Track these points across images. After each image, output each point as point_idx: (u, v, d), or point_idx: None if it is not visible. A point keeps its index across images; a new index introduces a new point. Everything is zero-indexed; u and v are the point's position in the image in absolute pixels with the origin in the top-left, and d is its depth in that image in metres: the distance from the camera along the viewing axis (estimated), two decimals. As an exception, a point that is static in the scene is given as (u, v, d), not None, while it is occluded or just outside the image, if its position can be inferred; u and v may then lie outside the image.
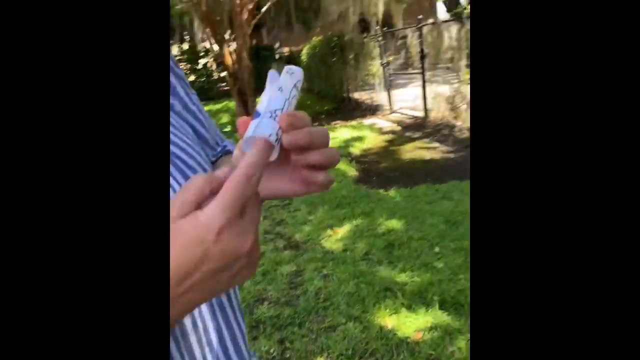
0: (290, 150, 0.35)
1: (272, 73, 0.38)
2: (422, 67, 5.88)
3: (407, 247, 2.64)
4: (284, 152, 0.35)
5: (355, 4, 7.78)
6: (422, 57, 5.82)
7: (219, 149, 0.59)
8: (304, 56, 11.09)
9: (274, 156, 0.34)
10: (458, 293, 2.11)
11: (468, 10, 4.85)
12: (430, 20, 5.48)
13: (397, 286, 2.25)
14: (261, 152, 0.31)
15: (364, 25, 8.43)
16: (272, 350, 1.92)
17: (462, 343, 1.80)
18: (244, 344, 0.48)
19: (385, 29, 7.43)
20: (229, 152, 0.58)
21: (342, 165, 4.62)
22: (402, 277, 2.32)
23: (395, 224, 2.98)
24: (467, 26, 4.88)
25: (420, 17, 5.61)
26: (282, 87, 0.37)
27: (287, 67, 0.38)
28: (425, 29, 5.73)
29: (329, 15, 8.74)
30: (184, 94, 0.54)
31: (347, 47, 8.30)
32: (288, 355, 1.88)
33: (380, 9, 7.50)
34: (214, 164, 0.56)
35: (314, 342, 1.93)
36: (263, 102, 0.36)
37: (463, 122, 5.38)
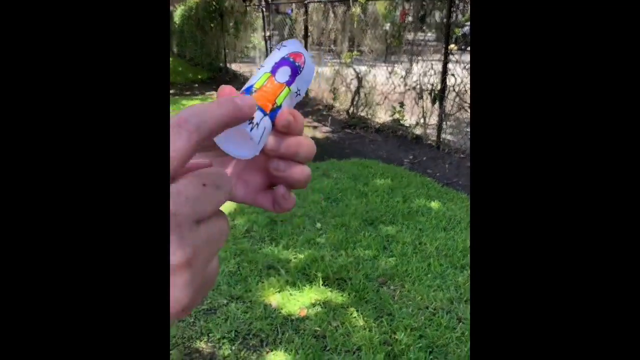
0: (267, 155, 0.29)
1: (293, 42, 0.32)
2: (305, 45, 5.86)
3: (290, 223, 2.60)
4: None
5: (238, -32, 7.39)
6: (306, 35, 5.80)
7: None
8: (177, 18, 10.20)
9: (251, 154, 0.27)
10: (340, 269, 2.15)
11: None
12: (317, -2, 5.47)
13: (281, 263, 2.19)
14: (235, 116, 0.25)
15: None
16: (142, 339, 1.70)
17: (346, 318, 1.83)
18: None
19: (270, 0, 7.22)
20: None
21: (220, 138, 4.38)
22: (286, 254, 2.28)
23: (277, 200, 2.92)
24: (354, 9, 4.99)
25: (307, -7, 5.56)
26: (272, 66, 0.30)
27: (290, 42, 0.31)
28: (310, 7, 5.71)
29: (208, -24, 8.16)
30: None
31: (227, 13, 7.86)
32: (162, 343, 1.68)
33: (264, -22, 7.24)
34: None
35: (192, 327, 1.77)
36: (258, 76, 0.30)
37: (341, 104, 5.55)
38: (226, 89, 0.28)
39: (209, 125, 0.22)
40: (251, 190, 0.30)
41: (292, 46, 0.31)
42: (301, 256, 2.26)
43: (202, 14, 8.49)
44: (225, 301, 1.92)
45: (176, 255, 0.20)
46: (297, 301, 1.93)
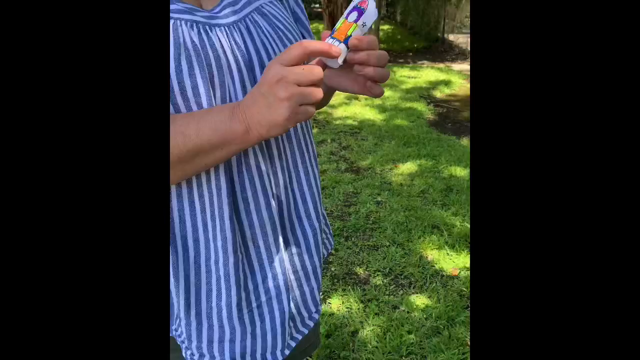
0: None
1: None
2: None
3: (465, 194, 2.66)
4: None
5: None
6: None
7: None
8: (404, -14, 10.45)
9: (335, 65, 0.50)
10: (504, 245, 2.14)
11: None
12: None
13: (446, 226, 2.32)
14: (323, 50, 0.49)
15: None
16: (317, 253, 2.12)
17: (495, 287, 1.87)
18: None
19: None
20: None
21: (419, 106, 4.54)
22: (453, 220, 2.38)
23: (459, 171, 2.98)
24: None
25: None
26: (346, 15, 0.51)
27: None
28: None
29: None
30: None
31: (453, -18, 7.68)
32: (330, 260, 2.07)
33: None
34: None
35: (357, 255, 2.10)
36: (338, 23, 0.51)
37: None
38: (325, 32, 0.51)
39: (311, 49, 0.46)
40: (359, 83, 0.54)
41: None
42: (467, 225, 2.33)
43: (428, -17, 8.50)
44: (387, 243, 2.19)
45: (281, 94, 0.45)
46: (452, 262, 2.05)
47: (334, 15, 7.32)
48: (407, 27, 10.65)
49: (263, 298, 0.58)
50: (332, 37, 0.49)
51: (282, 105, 0.45)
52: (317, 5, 11.98)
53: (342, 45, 0.49)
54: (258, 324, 0.58)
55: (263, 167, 0.56)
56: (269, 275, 0.58)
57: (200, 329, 0.57)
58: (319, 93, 0.46)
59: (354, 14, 0.51)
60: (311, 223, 0.63)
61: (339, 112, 4.27)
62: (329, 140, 3.60)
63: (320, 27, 9.53)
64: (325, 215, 0.75)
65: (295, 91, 0.45)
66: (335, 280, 1.93)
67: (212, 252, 0.55)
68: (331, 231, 0.77)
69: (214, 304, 0.56)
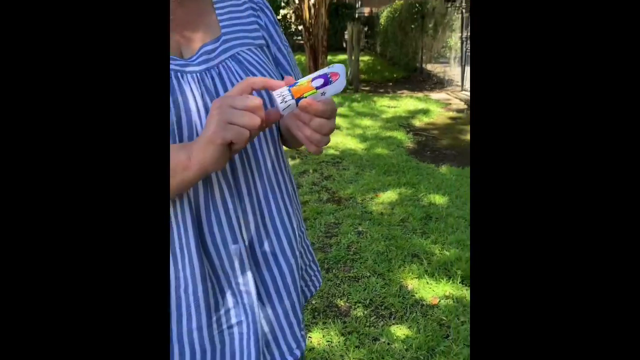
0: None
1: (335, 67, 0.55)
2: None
3: (444, 222, 2.71)
4: None
5: (445, -30, 7.43)
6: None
7: None
8: (382, 19, 10.83)
9: (283, 114, 0.54)
10: (482, 272, 2.18)
11: None
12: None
13: (426, 255, 2.35)
14: (264, 82, 0.54)
15: (451, -6, 8.05)
16: (298, 286, 2.12)
17: (474, 315, 1.89)
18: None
19: (472, 1, 7.06)
20: None
21: (399, 135, 4.65)
22: (432, 248, 2.42)
23: (438, 198, 3.04)
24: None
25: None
26: (314, 76, 0.54)
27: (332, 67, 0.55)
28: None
29: (417, -21, 8.40)
30: (278, 39, 0.72)
31: (428, 15, 8.01)
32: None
33: (472, -22, 7.09)
34: None
35: (337, 287, 2.11)
36: (304, 77, 0.54)
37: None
38: (289, 78, 0.54)
39: (252, 82, 0.53)
40: (304, 136, 0.55)
41: (335, 69, 0.53)
42: (447, 253, 2.37)
43: (405, 16, 8.84)
44: (368, 274, 2.21)
45: (213, 112, 0.51)
46: (432, 290, 2.07)
47: (315, 48, 7.53)
48: (386, 58, 10.98)
49: (233, 320, 0.60)
50: (289, 89, 0.52)
51: (212, 121, 0.51)
52: (299, 38, 12.31)
53: (293, 102, 0.52)
54: (228, 343, 0.60)
55: (230, 205, 0.59)
56: (240, 303, 0.61)
57: (172, 353, 0.59)
58: (251, 117, 0.50)
59: (320, 80, 0.52)
60: (287, 260, 0.64)
61: (321, 143, 4.34)
62: (310, 171, 3.65)
63: (303, 58, 9.77)
64: (312, 252, 0.77)
65: (224, 109, 0.50)
66: (316, 314, 1.93)
67: (182, 280, 0.58)
68: (319, 269, 0.79)
69: (184, 329, 0.59)
